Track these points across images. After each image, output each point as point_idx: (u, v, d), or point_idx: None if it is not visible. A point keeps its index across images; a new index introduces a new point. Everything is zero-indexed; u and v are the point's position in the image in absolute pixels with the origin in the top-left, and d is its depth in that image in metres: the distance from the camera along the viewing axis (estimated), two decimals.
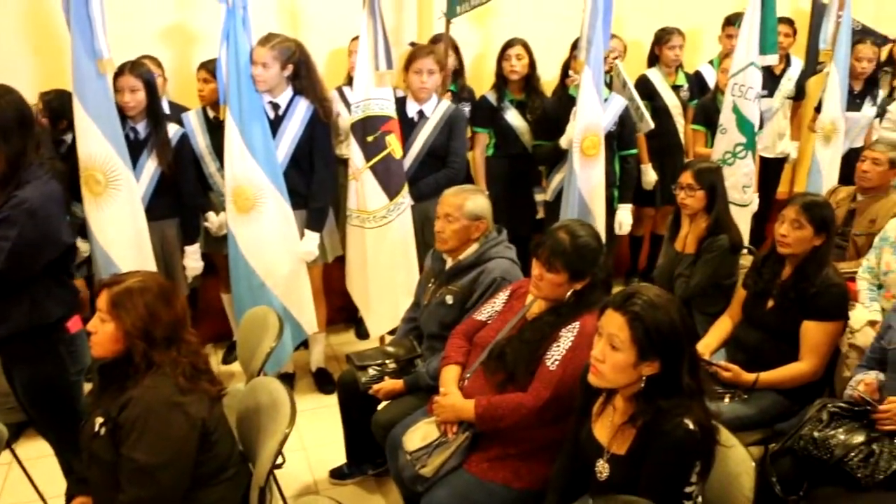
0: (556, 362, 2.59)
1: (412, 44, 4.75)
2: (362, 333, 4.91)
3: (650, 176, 5.19)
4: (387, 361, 3.30)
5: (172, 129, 3.91)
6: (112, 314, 2.25)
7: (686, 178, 3.69)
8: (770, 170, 5.70)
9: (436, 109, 4.24)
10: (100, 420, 2.24)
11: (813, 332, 3.10)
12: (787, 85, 5.60)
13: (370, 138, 3.99)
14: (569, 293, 2.70)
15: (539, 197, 4.85)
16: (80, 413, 2.79)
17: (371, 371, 3.27)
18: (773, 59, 4.65)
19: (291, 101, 3.93)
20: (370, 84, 3.97)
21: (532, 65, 4.71)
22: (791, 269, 3.19)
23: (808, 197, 3.19)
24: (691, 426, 2.04)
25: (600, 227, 4.27)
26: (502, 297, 3.00)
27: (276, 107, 3.93)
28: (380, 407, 3.27)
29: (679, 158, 5.13)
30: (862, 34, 5.78)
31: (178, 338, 2.33)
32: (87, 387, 2.89)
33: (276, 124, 3.92)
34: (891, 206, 4.14)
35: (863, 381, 2.93)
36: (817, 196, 3.28)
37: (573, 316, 2.66)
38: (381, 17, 3.93)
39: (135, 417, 2.17)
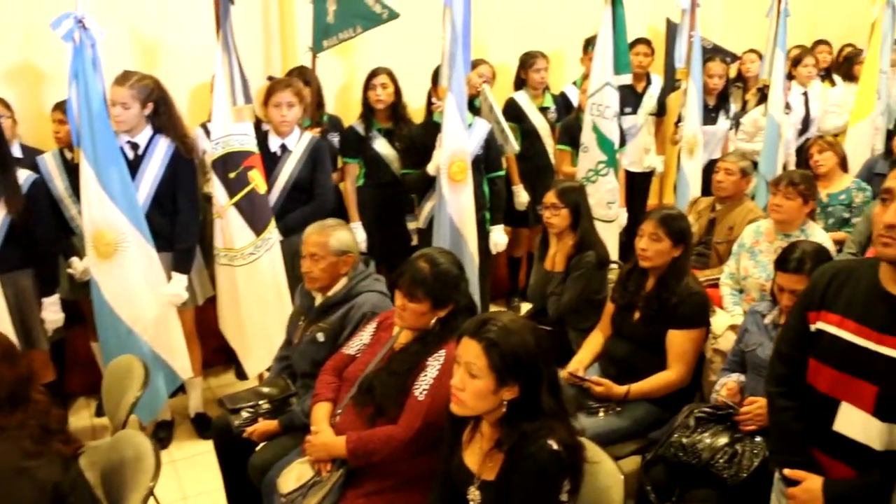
0: (425, 392, 2.57)
1: (270, 78, 4.69)
2: (242, 374, 4.78)
3: (522, 197, 5.27)
4: (260, 402, 3.21)
5: (24, 175, 3.72)
6: None
7: (550, 197, 3.76)
8: (638, 184, 5.88)
9: (299, 142, 4.19)
10: None
11: (678, 341, 3.19)
12: (650, 102, 5.80)
13: (232, 174, 3.91)
14: (433, 321, 2.70)
15: (412, 225, 4.85)
16: None
17: (244, 414, 3.17)
18: (626, 79, 4.81)
19: (151, 139, 3.82)
20: (229, 120, 3.89)
21: (398, 93, 4.71)
22: (654, 281, 3.28)
23: (663, 211, 3.29)
24: (555, 446, 2.05)
25: (473, 250, 4.30)
26: (370, 329, 2.97)
27: (134, 147, 3.80)
28: (257, 449, 3.18)
29: (549, 179, 5.22)
30: (713, 52, 6.07)
31: (23, 398, 2.19)
32: None
33: (135, 165, 3.79)
34: (746, 214, 4.32)
35: (725, 386, 3.03)
36: (672, 209, 3.38)
37: (439, 344, 2.66)
38: (235, 51, 3.86)
39: None
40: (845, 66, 6.89)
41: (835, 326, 2.11)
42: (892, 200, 1.94)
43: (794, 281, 2.87)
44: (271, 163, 4.14)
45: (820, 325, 2.15)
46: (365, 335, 2.96)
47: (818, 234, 3.87)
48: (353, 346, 2.96)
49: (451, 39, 4.06)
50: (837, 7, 7.44)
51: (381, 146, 4.75)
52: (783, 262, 2.97)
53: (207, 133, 4.39)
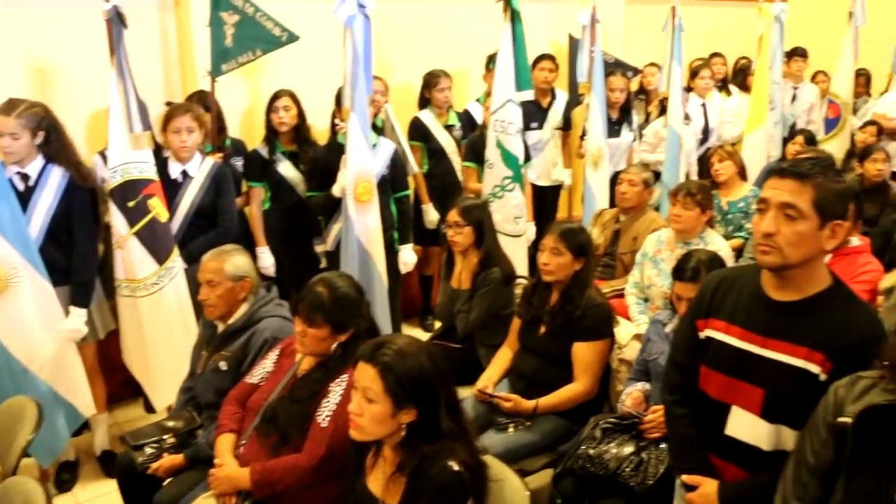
0: (328, 418, 2.55)
1: (168, 103, 4.60)
2: (151, 407, 4.65)
3: (431, 215, 5.28)
4: (165, 437, 3.12)
5: None
6: None
7: (453, 215, 3.77)
8: (547, 198, 5.97)
9: (200, 168, 4.11)
10: None
11: (583, 353, 3.23)
12: (555, 117, 5.88)
13: (131, 203, 3.80)
14: (334, 346, 2.68)
15: (320, 247, 4.80)
16: None
17: (148, 449, 3.08)
18: (528, 95, 4.87)
19: (43, 169, 3.69)
20: (126, 147, 3.79)
21: (301, 115, 4.67)
22: (557, 295, 3.32)
23: (563, 225, 3.34)
24: (456, 467, 2.05)
25: (382, 270, 4.29)
26: (272, 356, 2.92)
27: (25, 178, 3.67)
28: (163, 485, 3.08)
29: (458, 196, 5.20)
30: (614, 66, 6.20)
31: None
32: None
33: (26, 196, 3.65)
34: (649, 224, 4.41)
35: (629, 396, 3.08)
36: (573, 223, 3.44)
37: (341, 369, 2.64)
38: (130, 76, 3.77)
39: None
40: (740, 77, 7.14)
41: (722, 333, 2.17)
42: (768, 210, 2.01)
43: (690, 290, 2.93)
44: (172, 190, 4.05)
45: (708, 332, 2.21)
46: (268, 363, 2.92)
47: (717, 241, 3.98)
48: (256, 375, 2.91)
49: (352, 60, 4.05)
50: (731, 21, 7.72)
51: (286, 169, 4.70)
52: (679, 272, 3.05)
53: (105, 161, 4.29)
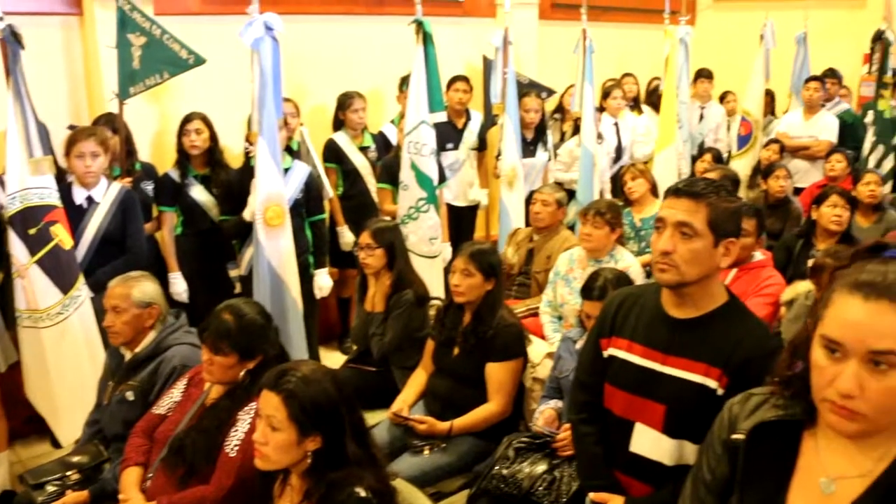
0: (236, 448, 2.50)
1: (71, 127, 4.48)
2: (58, 442, 4.49)
3: (347, 237, 5.25)
4: (69, 473, 3.01)
5: None
6: None
7: (364, 238, 3.76)
8: (464, 218, 6.00)
9: (106, 193, 4.01)
10: None
11: (496, 373, 3.24)
12: (470, 137, 5.92)
13: (32, 231, 3.69)
14: (242, 374, 2.63)
15: (234, 272, 4.72)
16: None
17: (50, 488, 2.96)
18: (441, 116, 4.90)
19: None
20: (25, 172, 3.68)
21: (213, 138, 4.60)
22: (469, 316, 3.33)
23: (473, 246, 3.35)
24: (363, 493, 2.02)
25: (296, 295, 4.23)
26: (181, 386, 2.85)
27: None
28: None
29: (374, 218, 5.23)
30: (529, 87, 6.29)
31: None
32: None
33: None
34: (562, 243, 4.47)
35: (542, 414, 3.10)
36: (483, 244, 3.45)
37: (249, 397, 2.58)
38: (29, 99, 3.66)
39: None
40: (653, 97, 7.31)
41: (624, 351, 2.21)
42: (665, 229, 2.06)
43: (598, 308, 2.93)
44: (77, 216, 3.94)
45: (611, 350, 2.25)
46: (175, 393, 2.85)
47: (627, 258, 4.05)
48: (163, 405, 2.83)
49: (259, 83, 4.00)
50: (642, 42, 7.91)
51: (199, 193, 4.61)
52: (587, 291, 3.09)
53: (3, 186, 4.15)
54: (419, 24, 4.66)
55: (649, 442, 2.15)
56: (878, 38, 6.96)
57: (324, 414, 2.05)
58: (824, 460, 1.44)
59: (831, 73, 7.48)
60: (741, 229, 2.17)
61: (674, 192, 2.09)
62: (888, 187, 6.05)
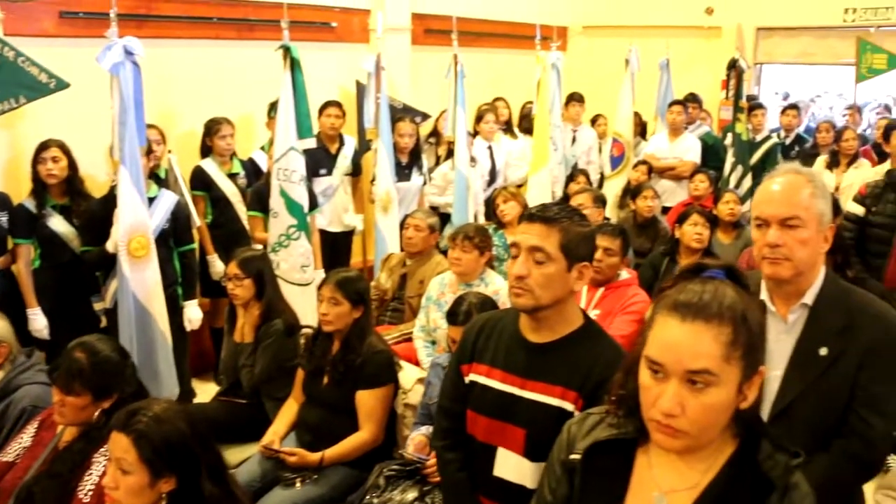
0: (90, 493, 2.38)
1: None
2: None
3: (218, 266, 5.12)
4: None
5: None
6: None
7: (231, 268, 3.68)
8: (339, 244, 5.97)
9: None
10: None
11: (366, 400, 3.23)
12: (344, 162, 5.90)
13: None
14: (97, 414, 2.52)
15: (98, 305, 4.54)
16: None
17: None
18: (310, 143, 4.86)
19: None
20: None
21: (72, 166, 4.41)
22: (338, 344, 3.30)
23: (340, 274, 3.33)
24: None
25: (164, 328, 4.10)
26: (31, 430, 2.71)
27: None
28: None
29: (245, 245, 5.13)
30: (403, 112, 6.33)
31: None
32: None
33: None
34: (435, 267, 4.49)
35: (412, 441, 3.10)
36: (350, 271, 3.44)
37: (105, 438, 2.46)
38: None
39: None
40: (525, 122, 7.46)
41: (484, 377, 2.23)
42: (520, 254, 2.09)
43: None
44: None
45: (472, 376, 2.26)
46: (25, 437, 2.70)
47: (497, 281, 4.11)
48: (11, 452, 2.68)
49: (120, 109, 3.87)
50: (515, 67, 8.09)
51: (58, 224, 4.40)
52: (452, 316, 3.11)
53: None
54: (286, 50, 4.61)
55: (512, 466, 2.17)
56: (733, 65, 7.35)
57: (177, 454, 1.98)
58: (656, 475, 1.49)
59: (692, 98, 7.86)
60: (594, 253, 2.23)
61: (528, 217, 2.13)
62: (747, 205, 6.36)
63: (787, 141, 7.93)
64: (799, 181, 2.16)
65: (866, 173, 5.99)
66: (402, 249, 5.28)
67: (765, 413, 2.20)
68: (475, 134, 6.72)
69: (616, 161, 7.68)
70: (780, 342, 2.21)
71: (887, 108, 10.33)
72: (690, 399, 1.36)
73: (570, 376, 2.09)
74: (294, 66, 4.63)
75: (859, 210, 4.51)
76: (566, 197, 6.04)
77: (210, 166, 5.20)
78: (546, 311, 2.11)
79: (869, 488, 2.29)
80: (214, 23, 5.63)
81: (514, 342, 2.20)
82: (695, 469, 1.46)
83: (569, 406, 2.08)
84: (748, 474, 1.44)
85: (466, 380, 2.28)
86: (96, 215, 4.29)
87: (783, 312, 2.21)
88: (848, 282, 3.38)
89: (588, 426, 1.62)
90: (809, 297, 2.19)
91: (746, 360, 1.39)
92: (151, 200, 4.27)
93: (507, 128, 7.34)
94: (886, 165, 5.16)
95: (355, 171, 6.03)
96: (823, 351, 2.14)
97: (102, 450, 2.46)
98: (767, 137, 7.62)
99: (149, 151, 4.43)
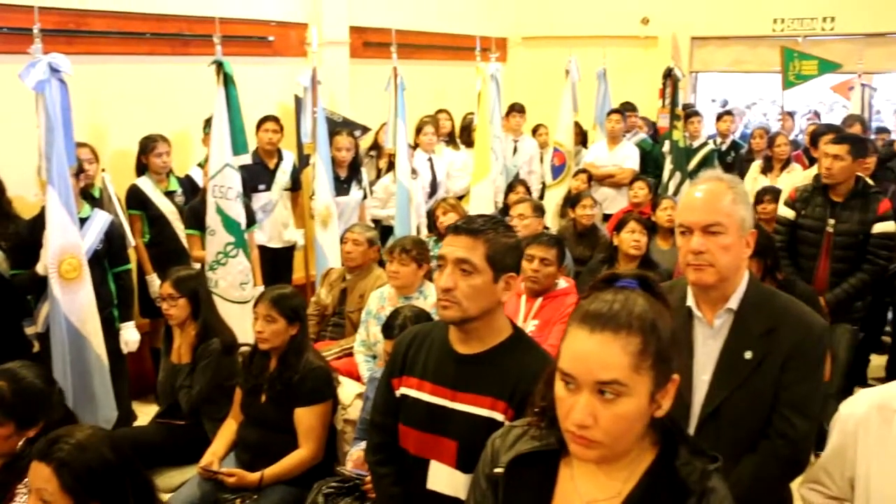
0: None
1: None
2: None
3: (156, 286, 5.00)
4: None
5: None
6: None
7: (166, 288, 3.63)
8: (280, 260, 5.92)
9: None
10: None
11: (304, 418, 3.20)
12: (283, 178, 5.85)
13: None
14: (21, 443, 2.45)
15: (30, 330, 4.42)
16: None
17: None
18: (246, 159, 4.82)
19: None
20: None
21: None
22: (276, 362, 3.27)
23: (275, 291, 3.30)
24: None
25: (100, 351, 4.03)
26: None
27: None
28: None
29: (184, 264, 5.05)
30: (343, 126, 6.31)
31: None
32: None
33: None
34: (374, 281, 4.47)
35: (350, 457, 3.08)
36: (284, 288, 3.41)
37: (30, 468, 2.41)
38: None
39: None
40: (465, 133, 7.49)
41: (415, 390, 2.22)
42: (446, 266, 2.10)
43: None
44: None
45: (402, 389, 2.26)
46: None
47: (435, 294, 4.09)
48: None
49: (46, 128, 3.79)
50: (455, 79, 8.13)
51: None
52: (387, 329, 3.11)
53: None
54: (219, 65, 4.56)
55: (445, 478, 2.16)
56: (668, 74, 7.48)
57: (101, 482, 1.93)
58: (579, 487, 1.50)
59: (630, 106, 7.97)
60: (521, 264, 2.24)
61: (453, 229, 2.14)
62: None
63: (724, 147, 8.11)
64: (720, 188, 2.20)
65: (798, 177, 6.13)
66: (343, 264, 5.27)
67: (694, 416, 2.25)
68: (416, 146, 6.72)
69: (557, 170, 7.75)
70: (708, 347, 2.25)
71: (817, 115, 10.61)
72: (602, 410, 1.37)
73: (499, 387, 2.09)
74: (227, 81, 4.58)
75: (790, 214, 4.60)
76: (507, 207, 6.06)
77: (146, 184, 5.12)
78: (474, 323, 2.12)
79: (794, 484, 2.33)
80: (148, 38, 5.54)
81: (443, 354, 2.20)
82: (615, 479, 1.47)
83: (499, 417, 2.08)
84: (667, 481, 1.45)
85: (397, 393, 2.27)
86: (25, 237, 4.18)
87: (709, 318, 2.25)
88: (777, 284, 3.50)
89: (512, 439, 1.62)
90: (734, 302, 2.23)
91: (657, 370, 1.39)
92: (84, 221, 4.19)
93: (451, 139, 7.36)
94: (815, 170, 5.28)
95: (295, 186, 5.98)
96: (748, 354, 2.19)
97: (27, 481, 2.39)
98: (704, 144, 7.79)
99: (80, 171, 4.36)
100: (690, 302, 2.28)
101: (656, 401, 1.42)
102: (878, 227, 4.31)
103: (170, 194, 5.20)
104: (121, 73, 5.43)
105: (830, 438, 2.14)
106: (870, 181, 4.80)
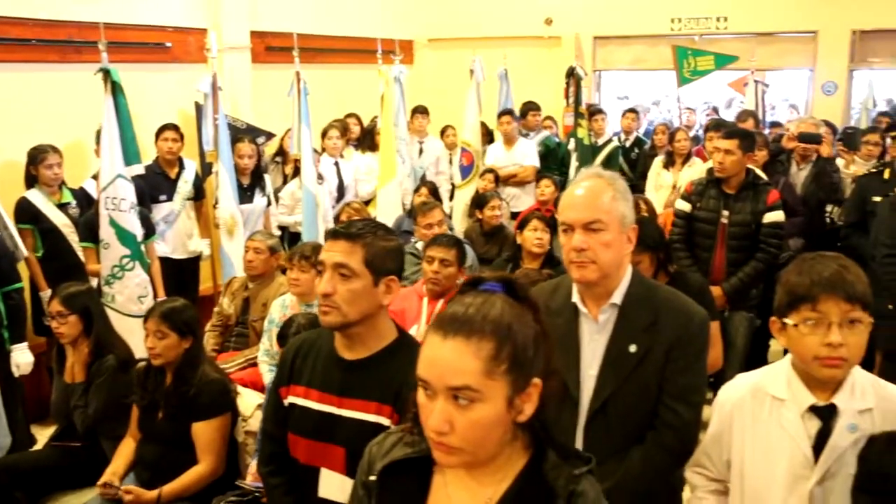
0: None
1: None
2: None
3: None
4: None
5: None
6: None
7: (54, 306, 3.52)
8: (185, 270, 5.79)
9: None
10: None
11: (203, 432, 3.15)
12: (185, 187, 5.73)
13: None
14: None
15: None
16: None
17: None
18: (138, 169, 4.71)
19: None
20: None
21: None
22: (171, 376, 3.20)
23: (165, 305, 3.24)
24: None
25: None
26: None
27: None
28: None
29: (83, 279, 4.90)
30: (246, 132, 6.22)
31: None
32: None
33: None
34: (277, 289, 4.42)
35: (250, 471, 3.03)
36: (175, 301, 3.34)
37: None
38: None
39: None
40: (368, 138, 7.45)
41: (302, 398, 2.20)
42: (325, 271, 2.09)
43: None
44: None
45: (290, 398, 2.23)
46: None
47: None
48: None
49: None
50: (360, 82, 8.09)
51: None
52: (282, 338, 3.08)
53: None
54: (106, 73, 4.43)
55: (335, 486, 2.14)
56: (571, 73, 7.58)
57: None
58: (452, 494, 1.48)
59: (533, 106, 8.07)
60: (402, 267, 2.24)
61: (332, 234, 2.13)
62: None
63: (627, 143, 8.28)
64: (600, 185, 2.24)
65: (699, 171, 6.30)
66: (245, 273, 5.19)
67: (583, 411, 2.28)
68: (322, 151, 6.67)
69: (466, 170, 7.80)
70: (594, 342, 2.29)
71: (715, 110, 10.94)
72: (458, 416, 1.35)
73: (383, 391, 2.08)
74: (116, 89, 4.45)
75: (686, 207, 4.72)
76: (413, 208, 6.07)
77: (37, 197, 4.93)
78: (356, 328, 2.11)
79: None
80: (33, 45, 5.35)
81: (329, 361, 2.18)
82: (486, 484, 1.45)
83: (385, 421, 2.07)
84: (536, 486, 1.44)
85: (286, 402, 2.24)
86: None
87: (594, 313, 2.29)
88: (669, 277, 3.59)
89: (387, 446, 1.59)
90: (618, 297, 2.27)
91: (514, 374, 1.37)
92: None
93: (360, 143, 7.33)
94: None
95: (198, 195, 5.86)
96: (633, 348, 2.23)
97: None
98: (609, 141, 7.93)
99: None
100: (576, 298, 2.31)
101: (516, 406, 1.39)
102: (769, 217, 4.46)
103: (63, 206, 5.02)
104: (5, 82, 5.23)
105: (711, 422, 2.21)
106: (761, 173, 4.96)
